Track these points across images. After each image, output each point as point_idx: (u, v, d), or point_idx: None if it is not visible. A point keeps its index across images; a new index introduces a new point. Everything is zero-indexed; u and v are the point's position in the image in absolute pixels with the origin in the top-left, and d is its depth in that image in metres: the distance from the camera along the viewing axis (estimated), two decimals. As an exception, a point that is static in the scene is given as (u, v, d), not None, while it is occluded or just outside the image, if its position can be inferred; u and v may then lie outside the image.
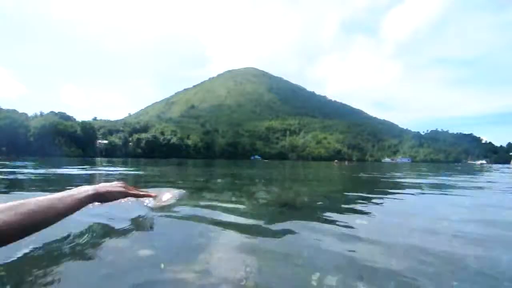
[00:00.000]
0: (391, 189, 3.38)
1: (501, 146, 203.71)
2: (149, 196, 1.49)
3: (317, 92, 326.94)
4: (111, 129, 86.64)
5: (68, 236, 1.03)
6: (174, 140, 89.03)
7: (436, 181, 4.69)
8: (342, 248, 0.99)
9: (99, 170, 6.91)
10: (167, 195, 1.75)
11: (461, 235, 1.22)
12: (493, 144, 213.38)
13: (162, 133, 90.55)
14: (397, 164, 38.05)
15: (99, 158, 33.28)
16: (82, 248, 0.94)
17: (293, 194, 2.74)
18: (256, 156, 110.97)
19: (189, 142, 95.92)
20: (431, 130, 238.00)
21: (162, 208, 1.52)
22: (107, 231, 1.13)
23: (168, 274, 0.77)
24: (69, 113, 74.30)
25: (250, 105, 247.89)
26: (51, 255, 0.86)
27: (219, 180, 4.11)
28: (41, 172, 5.12)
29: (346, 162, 28.79)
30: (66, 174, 4.99)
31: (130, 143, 79.42)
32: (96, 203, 1.12)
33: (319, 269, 0.80)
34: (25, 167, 6.87)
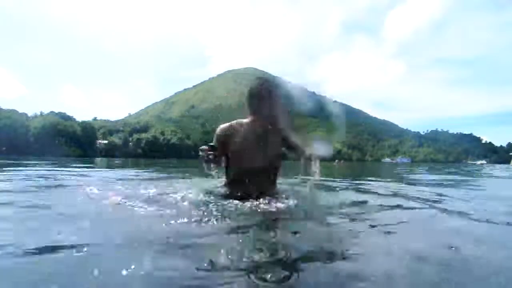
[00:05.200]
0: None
1: (501, 146, 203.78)
2: None
3: (317, 92, 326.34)
4: (111, 129, 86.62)
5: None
6: (174, 140, 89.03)
7: None
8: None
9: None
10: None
11: None
12: (493, 144, 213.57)
13: (162, 133, 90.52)
14: (397, 164, 38.05)
15: (99, 158, 33.25)
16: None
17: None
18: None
19: (189, 142, 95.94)
20: (431, 130, 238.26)
21: None
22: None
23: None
24: (69, 113, 74.19)
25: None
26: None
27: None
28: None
29: (342, 162, 28.73)
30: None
31: (130, 143, 79.42)
32: None
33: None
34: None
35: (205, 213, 1.33)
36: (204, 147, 1.52)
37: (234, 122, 1.64)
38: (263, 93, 1.60)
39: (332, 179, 4.01)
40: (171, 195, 1.73)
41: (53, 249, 0.86)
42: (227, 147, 1.59)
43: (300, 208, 1.53)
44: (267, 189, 1.64)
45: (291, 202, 1.57)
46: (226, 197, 1.59)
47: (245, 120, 1.65)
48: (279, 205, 1.50)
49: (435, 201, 2.04)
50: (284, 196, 1.67)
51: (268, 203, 1.49)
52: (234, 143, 1.58)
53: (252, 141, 1.58)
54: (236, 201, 1.49)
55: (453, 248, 0.95)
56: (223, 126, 1.62)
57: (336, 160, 31.21)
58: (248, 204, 1.46)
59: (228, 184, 1.69)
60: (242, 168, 1.60)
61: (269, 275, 0.67)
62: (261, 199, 1.51)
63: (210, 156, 1.48)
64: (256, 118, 1.62)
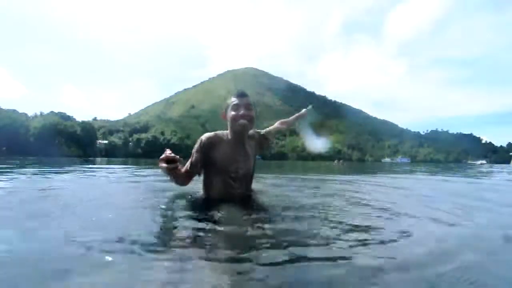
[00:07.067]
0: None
1: (501, 146, 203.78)
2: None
3: (317, 92, 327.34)
4: (111, 129, 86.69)
5: None
6: (174, 140, 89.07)
7: None
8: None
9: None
10: None
11: None
12: (493, 144, 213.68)
13: (162, 133, 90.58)
14: (397, 164, 38.05)
15: (99, 158, 33.16)
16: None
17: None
18: (257, 156, 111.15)
19: (189, 142, 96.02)
20: (431, 130, 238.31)
21: None
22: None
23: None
24: (69, 113, 74.29)
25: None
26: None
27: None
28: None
29: (341, 161, 28.92)
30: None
31: (130, 143, 79.42)
32: None
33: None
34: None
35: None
36: (168, 154, 1.30)
37: (218, 132, 1.67)
38: (244, 104, 1.59)
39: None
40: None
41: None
42: (212, 156, 1.56)
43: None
44: (247, 193, 1.78)
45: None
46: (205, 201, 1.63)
47: (226, 132, 1.67)
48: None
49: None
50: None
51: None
52: (219, 151, 1.57)
53: (235, 149, 1.62)
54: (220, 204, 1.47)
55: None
56: (208, 134, 1.63)
57: (336, 160, 31.32)
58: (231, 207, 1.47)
59: (208, 195, 1.68)
60: (227, 176, 1.60)
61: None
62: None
63: (172, 168, 1.28)
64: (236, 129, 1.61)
